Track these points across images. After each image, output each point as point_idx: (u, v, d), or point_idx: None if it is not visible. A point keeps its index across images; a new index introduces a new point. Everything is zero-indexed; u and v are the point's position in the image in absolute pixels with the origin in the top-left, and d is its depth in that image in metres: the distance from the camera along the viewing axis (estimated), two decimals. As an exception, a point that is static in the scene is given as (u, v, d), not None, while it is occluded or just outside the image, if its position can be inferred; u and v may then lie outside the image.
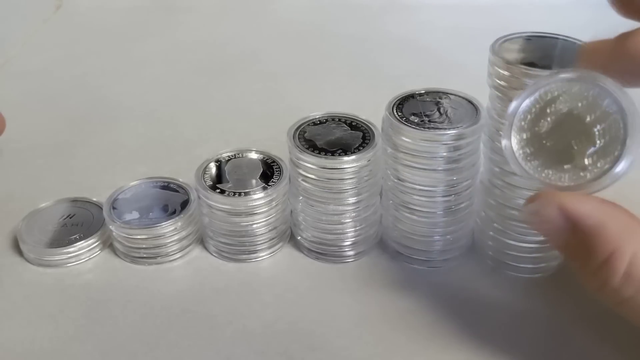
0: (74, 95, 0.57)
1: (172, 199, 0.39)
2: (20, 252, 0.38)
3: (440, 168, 0.33)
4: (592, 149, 0.26)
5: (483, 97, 0.34)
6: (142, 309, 0.34)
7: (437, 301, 0.34)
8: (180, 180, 0.40)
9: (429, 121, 0.33)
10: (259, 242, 0.37)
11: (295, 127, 0.36)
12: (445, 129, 0.33)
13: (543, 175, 0.26)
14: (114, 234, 0.37)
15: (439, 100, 0.35)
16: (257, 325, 0.33)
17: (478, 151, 0.34)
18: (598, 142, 0.26)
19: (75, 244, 0.37)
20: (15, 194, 0.44)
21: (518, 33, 0.33)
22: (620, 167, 0.25)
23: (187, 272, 0.37)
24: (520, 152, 0.27)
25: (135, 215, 0.37)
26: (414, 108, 0.34)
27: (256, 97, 0.56)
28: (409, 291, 0.35)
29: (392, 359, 0.31)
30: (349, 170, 0.34)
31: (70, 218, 0.39)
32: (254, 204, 0.36)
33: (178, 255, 0.38)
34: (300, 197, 0.36)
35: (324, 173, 0.34)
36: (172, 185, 0.40)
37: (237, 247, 0.37)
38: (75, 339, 0.33)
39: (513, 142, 0.27)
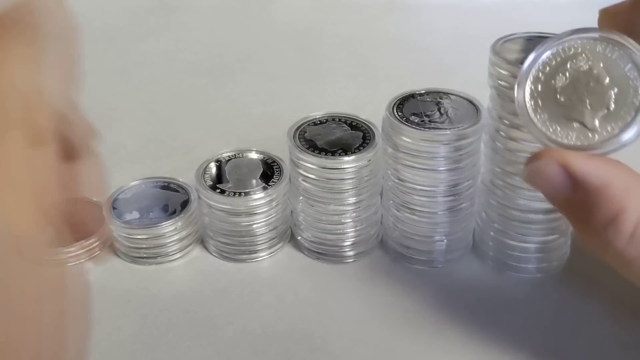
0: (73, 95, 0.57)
1: (173, 199, 0.39)
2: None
3: (441, 168, 0.33)
4: (604, 112, 0.25)
5: (484, 97, 0.34)
6: (142, 309, 0.34)
7: (437, 302, 0.34)
8: (181, 180, 0.40)
9: (429, 121, 0.33)
10: (259, 242, 0.37)
11: (296, 127, 0.36)
12: (446, 129, 0.33)
13: (551, 130, 0.26)
14: (114, 233, 0.37)
15: (440, 100, 0.35)
16: (258, 325, 0.33)
17: (479, 151, 0.34)
18: (612, 105, 0.25)
19: (75, 244, 0.37)
20: (15, 194, 0.43)
21: (518, 33, 0.33)
22: (629, 134, 0.25)
23: (187, 272, 0.37)
24: (532, 102, 0.26)
25: (135, 215, 0.37)
26: (415, 108, 0.34)
27: (256, 97, 0.56)
28: (409, 291, 0.35)
29: (394, 359, 0.31)
30: (349, 170, 0.34)
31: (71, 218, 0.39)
32: (254, 204, 0.36)
33: (178, 255, 0.38)
34: (301, 197, 0.36)
35: (324, 173, 0.34)
36: (172, 185, 0.40)
37: (237, 247, 0.37)
38: (75, 339, 0.32)
39: (526, 92, 0.26)
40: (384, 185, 0.36)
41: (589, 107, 0.26)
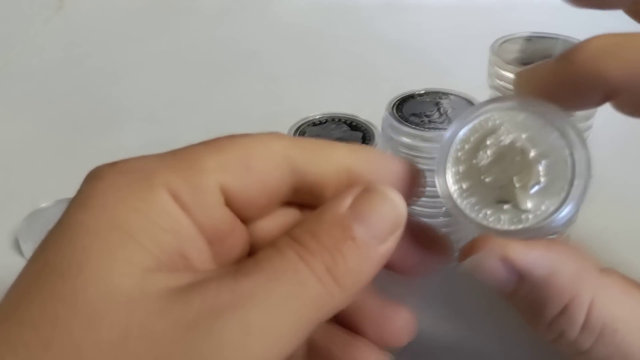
0: (74, 95, 0.57)
1: (173, 199, 0.38)
2: (21, 252, 0.38)
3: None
4: (536, 188, 0.22)
5: (483, 97, 0.34)
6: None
7: (438, 301, 0.34)
8: (181, 180, 0.40)
9: (429, 121, 0.33)
10: (259, 242, 0.37)
11: (295, 127, 0.36)
12: (446, 129, 0.33)
13: (480, 216, 0.23)
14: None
15: (439, 100, 0.35)
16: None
17: (478, 151, 0.34)
18: (542, 179, 0.22)
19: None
20: (15, 194, 0.44)
21: (518, 33, 0.33)
22: (566, 211, 0.22)
23: (188, 272, 0.37)
24: (456, 187, 0.24)
25: (135, 215, 0.37)
26: (414, 108, 0.34)
27: (256, 98, 0.56)
28: (410, 290, 0.35)
29: (394, 358, 0.31)
30: (349, 170, 0.34)
31: (71, 218, 0.39)
32: (254, 204, 0.36)
33: (178, 256, 0.38)
34: (301, 197, 0.36)
35: (324, 173, 0.34)
36: (172, 186, 0.40)
37: (238, 247, 0.37)
38: (75, 339, 0.33)
39: (448, 176, 0.24)
40: (384, 186, 0.36)
41: (517, 185, 0.23)
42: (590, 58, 0.21)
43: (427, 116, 0.34)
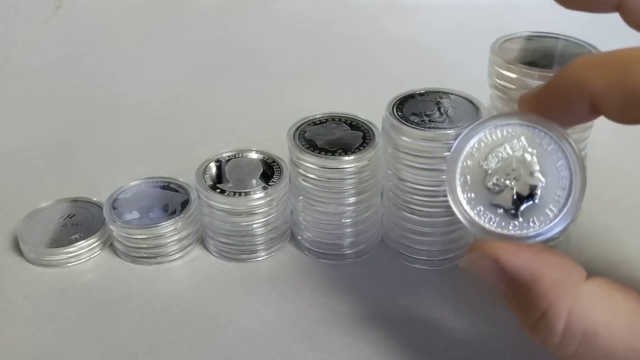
0: (74, 95, 0.57)
1: (173, 199, 0.39)
2: (20, 252, 0.38)
3: (441, 168, 0.33)
4: (530, 203, 0.25)
5: (483, 97, 0.34)
6: (142, 309, 0.34)
7: (438, 300, 0.34)
8: (181, 180, 0.40)
9: (429, 121, 0.33)
10: (259, 242, 0.37)
11: (296, 127, 0.36)
12: (446, 128, 0.33)
13: (474, 211, 0.25)
14: (114, 233, 0.37)
15: (439, 100, 0.35)
16: (258, 325, 0.33)
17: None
18: (538, 199, 0.25)
19: (75, 244, 0.37)
20: (15, 194, 0.44)
21: (518, 33, 0.33)
22: (553, 232, 0.24)
23: (188, 272, 0.37)
24: (461, 179, 0.26)
25: (135, 215, 0.37)
26: (414, 108, 0.34)
27: (256, 97, 0.56)
28: (410, 290, 0.35)
29: (395, 358, 0.31)
30: (349, 170, 0.34)
31: (71, 218, 0.39)
32: (254, 204, 0.36)
33: (178, 255, 0.38)
34: (301, 197, 0.36)
35: (325, 173, 0.34)
36: (172, 185, 0.40)
37: (238, 247, 0.37)
38: (75, 339, 0.33)
39: (457, 168, 0.26)
40: (384, 185, 0.36)
41: (515, 195, 0.25)
42: (576, 73, 0.24)
43: (428, 116, 0.34)
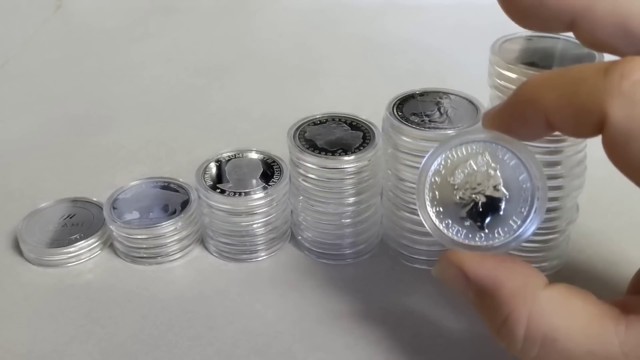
0: (73, 95, 0.57)
1: (173, 199, 0.39)
2: (20, 252, 0.38)
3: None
4: (494, 214, 0.26)
5: (483, 97, 0.34)
6: (142, 309, 0.34)
7: (439, 300, 0.34)
8: (181, 180, 0.40)
9: (429, 121, 0.33)
10: (259, 242, 0.37)
11: (296, 127, 0.36)
12: (446, 128, 0.33)
13: (443, 225, 0.27)
14: (114, 233, 0.37)
15: (439, 100, 0.35)
16: (259, 325, 0.33)
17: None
18: (502, 211, 0.26)
19: (75, 244, 0.37)
20: (15, 194, 0.44)
21: (518, 33, 0.33)
22: (515, 243, 0.26)
23: (188, 272, 0.37)
24: (430, 194, 0.27)
25: (135, 215, 0.37)
26: (414, 108, 0.34)
27: (256, 97, 0.56)
28: (410, 290, 0.35)
29: (395, 358, 0.31)
30: (349, 170, 0.34)
31: (71, 218, 0.39)
32: (254, 204, 0.36)
33: (178, 255, 0.38)
34: (301, 197, 0.36)
35: (325, 173, 0.34)
36: (172, 185, 0.40)
37: (238, 247, 0.37)
38: (75, 339, 0.33)
39: (426, 183, 0.27)
40: (384, 185, 0.36)
41: (480, 208, 0.26)
42: (530, 92, 0.25)
43: (428, 116, 0.34)
